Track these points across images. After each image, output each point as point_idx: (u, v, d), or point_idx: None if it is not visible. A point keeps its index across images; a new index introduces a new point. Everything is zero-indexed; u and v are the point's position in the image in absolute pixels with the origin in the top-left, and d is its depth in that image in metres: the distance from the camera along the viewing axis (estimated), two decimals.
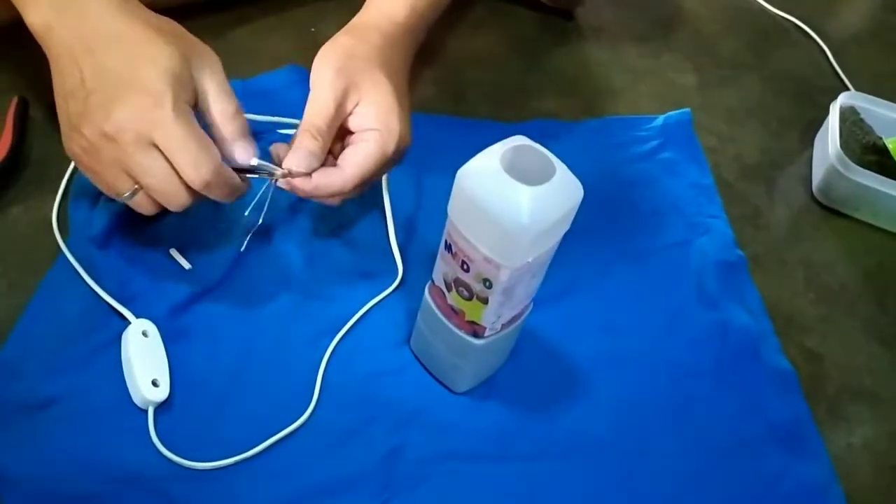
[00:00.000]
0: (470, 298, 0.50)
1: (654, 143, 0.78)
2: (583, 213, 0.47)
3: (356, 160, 0.55)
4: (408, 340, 0.59)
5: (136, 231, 0.60)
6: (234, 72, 0.73)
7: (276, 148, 0.56)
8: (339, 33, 0.60)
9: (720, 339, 0.64)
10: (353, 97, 0.56)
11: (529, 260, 0.46)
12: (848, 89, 0.90)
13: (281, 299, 0.60)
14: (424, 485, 0.53)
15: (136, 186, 0.51)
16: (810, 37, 0.98)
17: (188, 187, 0.51)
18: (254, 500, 0.50)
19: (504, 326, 0.53)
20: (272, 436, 0.52)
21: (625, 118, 0.81)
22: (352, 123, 0.56)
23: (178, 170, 0.50)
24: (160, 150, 0.49)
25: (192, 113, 0.51)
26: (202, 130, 0.51)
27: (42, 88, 0.67)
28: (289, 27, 0.81)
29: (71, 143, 0.51)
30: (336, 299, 0.60)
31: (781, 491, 0.57)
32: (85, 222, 0.59)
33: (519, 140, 0.46)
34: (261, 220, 0.59)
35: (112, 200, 0.58)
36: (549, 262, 0.50)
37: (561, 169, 0.45)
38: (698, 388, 0.61)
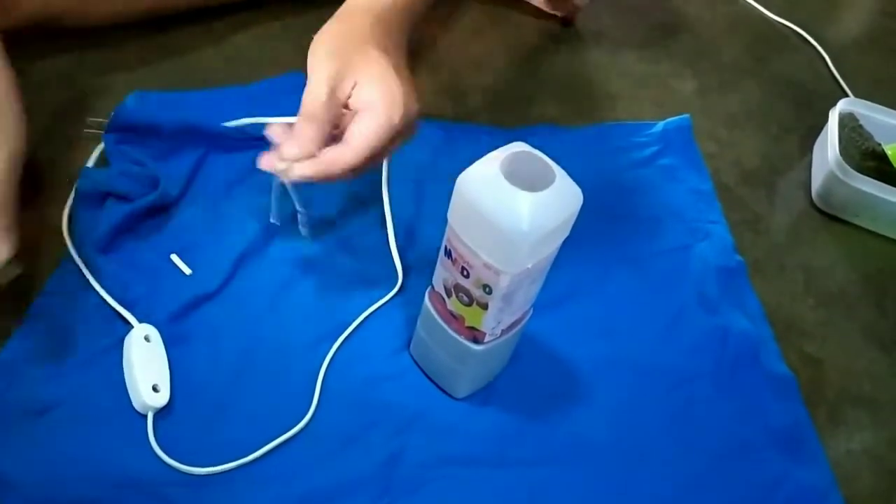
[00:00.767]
0: (470, 304, 0.50)
1: (653, 148, 0.78)
2: (582, 219, 0.47)
3: (361, 131, 0.54)
4: (407, 346, 0.59)
5: (137, 236, 0.60)
6: (235, 77, 0.75)
7: (273, 128, 0.55)
8: (329, 21, 0.59)
9: (720, 345, 0.64)
10: (349, 78, 0.55)
11: (529, 266, 0.46)
12: (847, 95, 0.90)
13: (281, 305, 0.60)
14: (424, 490, 0.53)
15: None
16: (809, 43, 0.98)
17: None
18: None
19: (504, 332, 0.53)
20: (272, 441, 0.53)
21: (624, 124, 0.81)
22: (353, 103, 0.55)
23: None
24: None
25: None
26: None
27: (47, 93, 0.67)
28: (290, 33, 0.82)
29: None
30: (336, 305, 0.60)
31: (781, 496, 0.57)
32: (87, 227, 0.60)
33: (519, 146, 0.46)
34: (277, 222, 0.60)
35: (123, 197, 0.58)
36: (548, 268, 0.50)
37: (561, 175, 0.45)
38: (698, 393, 0.61)
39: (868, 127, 0.81)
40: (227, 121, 0.68)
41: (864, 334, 0.69)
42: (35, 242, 0.59)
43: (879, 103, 0.82)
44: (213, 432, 0.53)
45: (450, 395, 0.57)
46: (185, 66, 0.75)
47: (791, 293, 0.71)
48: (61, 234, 0.60)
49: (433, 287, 0.53)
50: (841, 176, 0.74)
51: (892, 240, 0.77)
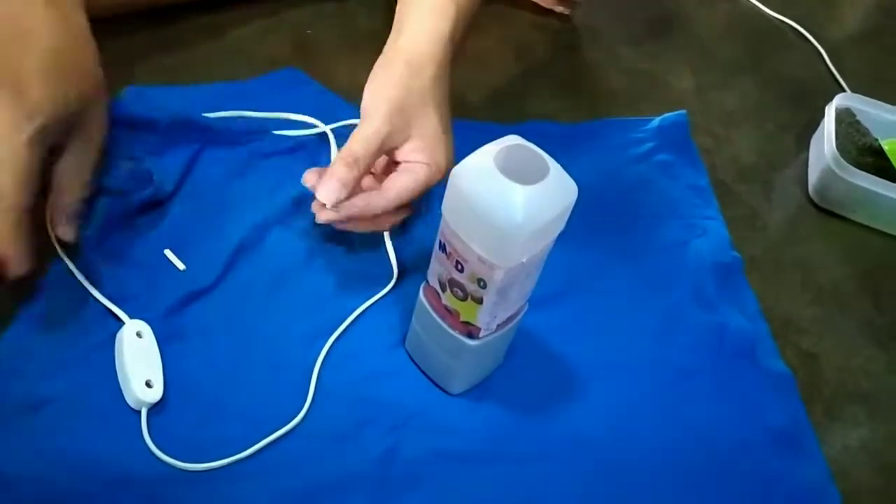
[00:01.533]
0: (464, 299, 0.49)
1: (650, 144, 0.78)
2: (579, 215, 0.47)
3: (402, 185, 0.56)
4: (403, 342, 0.59)
5: (132, 232, 0.60)
6: (230, 73, 0.74)
7: (309, 174, 0.57)
8: (391, 55, 0.58)
9: (717, 341, 0.63)
10: (403, 133, 0.56)
11: (524, 260, 0.46)
12: (844, 91, 0.90)
13: (276, 300, 0.59)
14: (419, 486, 0.53)
15: None
16: (807, 39, 0.98)
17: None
18: (248, 501, 0.50)
19: (499, 327, 0.52)
20: (266, 437, 0.52)
21: (621, 120, 0.81)
22: (399, 155, 0.57)
23: None
24: None
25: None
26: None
27: None
28: (285, 29, 0.81)
29: None
30: (331, 301, 0.60)
31: (778, 493, 0.56)
32: (81, 223, 0.59)
33: (513, 139, 0.46)
34: None
35: (117, 193, 0.59)
36: (543, 262, 0.50)
37: (555, 168, 0.45)
38: (694, 390, 0.61)
39: (865, 122, 0.81)
40: (225, 116, 0.68)
41: (861, 330, 0.69)
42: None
43: (877, 99, 0.82)
44: (208, 428, 0.52)
45: (445, 392, 0.57)
46: (183, 60, 0.75)
47: (788, 289, 0.70)
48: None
49: (428, 282, 0.53)
50: (838, 171, 0.74)
51: (889, 235, 0.77)
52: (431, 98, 0.57)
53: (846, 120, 0.80)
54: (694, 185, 0.76)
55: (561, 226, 0.47)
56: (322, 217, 0.56)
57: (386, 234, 0.63)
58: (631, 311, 0.65)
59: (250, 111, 0.68)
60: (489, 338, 0.52)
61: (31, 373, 0.52)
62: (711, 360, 0.62)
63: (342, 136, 0.66)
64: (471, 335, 0.52)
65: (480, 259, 0.46)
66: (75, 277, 0.57)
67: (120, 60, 0.73)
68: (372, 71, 0.57)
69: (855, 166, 0.75)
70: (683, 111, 0.81)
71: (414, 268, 0.63)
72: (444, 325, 0.52)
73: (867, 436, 0.62)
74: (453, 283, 0.49)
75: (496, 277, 0.46)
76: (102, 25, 0.69)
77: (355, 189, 0.55)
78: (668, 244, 0.70)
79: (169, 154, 0.65)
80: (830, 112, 0.80)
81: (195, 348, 0.56)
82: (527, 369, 0.59)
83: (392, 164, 0.58)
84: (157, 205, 0.62)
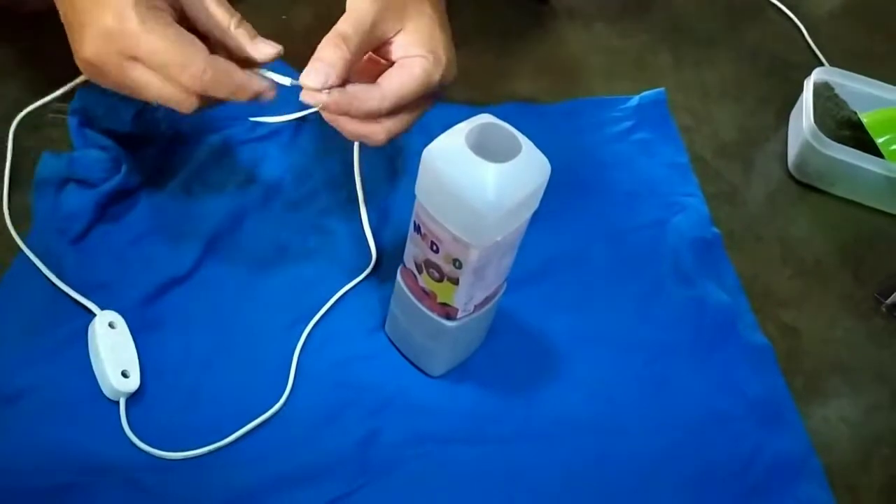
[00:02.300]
0: (441, 280, 0.49)
1: (628, 123, 0.77)
2: (558, 195, 0.47)
3: (399, 80, 0.49)
4: (382, 326, 0.59)
5: (104, 220, 0.59)
6: None
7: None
8: None
9: (697, 317, 0.64)
10: (394, 23, 0.50)
11: (498, 239, 0.46)
12: (823, 65, 0.89)
13: (253, 287, 0.59)
14: (401, 468, 0.53)
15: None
16: (784, 14, 0.97)
17: (189, 90, 0.47)
18: (229, 488, 0.50)
19: (477, 308, 0.52)
20: (246, 424, 0.52)
21: (599, 99, 0.80)
22: (394, 52, 0.50)
23: (169, 78, 0.47)
24: (145, 64, 0.46)
25: (170, 14, 0.47)
26: (181, 30, 0.47)
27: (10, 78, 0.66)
28: (261, 15, 0.79)
29: (85, 74, 0.49)
30: (310, 286, 0.60)
31: (759, 465, 0.57)
32: (50, 213, 0.59)
33: (485, 118, 0.45)
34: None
35: (86, 183, 0.58)
36: (519, 241, 0.49)
37: (527, 146, 0.44)
38: (675, 366, 0.61)
39: (843, 96, 0.81)
40: None
41: (842, 303, 0.69)
42: None
43: (855, 72, 0.82)
44: (187, 416, 0.52)
45: (426, 374, 0.57)
46: None
47: (768, 264, 0.71)
48: (24, 221, 0.58)
49: (404, 264, 0.52)
50: (816, 145, 0.74)
51: (868, 208, 0.77)
52: None
53: (825, 94, 0.80)
54: (672, 162, 0.76)
55: (535, 204, 0.47)
56: (307, 96, 0.48)
57: (364, 218, 0.63)
58: (610, 289, 0.65)
59: None
60: (467, 319, 0.52)
61: (6, 365, 0.52)
62: (691, 334, 0.63)
63: (319, 121, 0.65)
64: (449, 317, 0.52)
65: (455, 239, 0.46)
66: (40, 270, 0.56)
67: None
68: None
69: (834, 140, 0.74)
70: (662, 89, 0.81)
71: (393, 252, 0.62)
72: (422, 308, 0.52)
73: (848, 407, 0.62)
74: (429, 265, 0.49)
75: (471, 257, 0.46)
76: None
77: (348, 77, 0.48)
78: (647, 222, 0.70)
79: (140, 142, 0.63)
80: (809, 86, 0.79)
81: (172, 337, 0.55)
82: (507, 349, 0.59)
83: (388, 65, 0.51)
84: (128, 193, 0.61)
